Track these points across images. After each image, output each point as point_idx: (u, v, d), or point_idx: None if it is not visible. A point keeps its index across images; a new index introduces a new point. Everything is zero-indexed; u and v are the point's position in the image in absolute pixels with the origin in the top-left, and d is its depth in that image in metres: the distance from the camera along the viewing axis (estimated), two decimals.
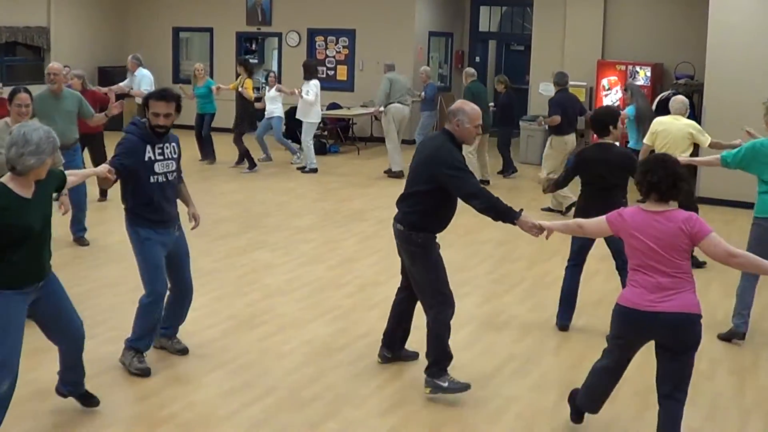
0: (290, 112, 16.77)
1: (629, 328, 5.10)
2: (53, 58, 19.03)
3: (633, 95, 12.68)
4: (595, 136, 7.70)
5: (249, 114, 15.88)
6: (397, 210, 6.35)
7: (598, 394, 5.45)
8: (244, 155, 15.39)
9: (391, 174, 15.38)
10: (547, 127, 13.55)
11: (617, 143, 7.97)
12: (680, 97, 10.07)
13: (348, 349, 7.06)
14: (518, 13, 21.31)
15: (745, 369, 6.91)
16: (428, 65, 19.77)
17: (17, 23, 18.62)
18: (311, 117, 15.59)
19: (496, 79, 15.50)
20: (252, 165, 15.30)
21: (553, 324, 7.77)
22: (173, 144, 6.37)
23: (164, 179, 6.25)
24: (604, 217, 5.26)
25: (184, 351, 6.76)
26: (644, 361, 5.66)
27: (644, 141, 9.87)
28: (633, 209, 5.12)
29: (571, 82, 14.22)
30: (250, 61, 20.46)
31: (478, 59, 21.47)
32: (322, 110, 18.12)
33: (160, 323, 6.52)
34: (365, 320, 7.78)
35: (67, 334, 5.49)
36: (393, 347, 6.76)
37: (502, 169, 15.83)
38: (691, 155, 9.32)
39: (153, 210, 6.22)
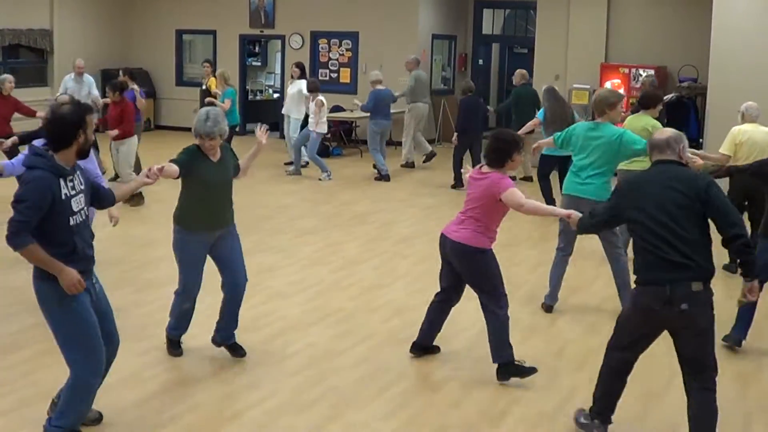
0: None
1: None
2: (56, 61, 19.12)
3: (547, 98, 12.52)
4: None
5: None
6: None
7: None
8: None
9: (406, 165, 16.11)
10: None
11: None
12: (753, 103, 9.92)
13: (351, 351, 7.06)
14: (521, 15, 21.31)
15: (747, 374, 6.90)
16: (431, 68, 19.83)
17: (20, 25, 18.63)
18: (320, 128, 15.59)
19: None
20: None
21: (555, 327, 7.77)
22: (77, 172, 5.17)
23: (81, 219, 5.12)
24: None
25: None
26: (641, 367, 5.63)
27: (722, 151, 9.58)
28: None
29: (574, 85, 14.28)
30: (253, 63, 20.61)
31: (481, 62, 21.47)
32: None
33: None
34: (368, 323, 7.78)
35: (234, 277, 6.65)
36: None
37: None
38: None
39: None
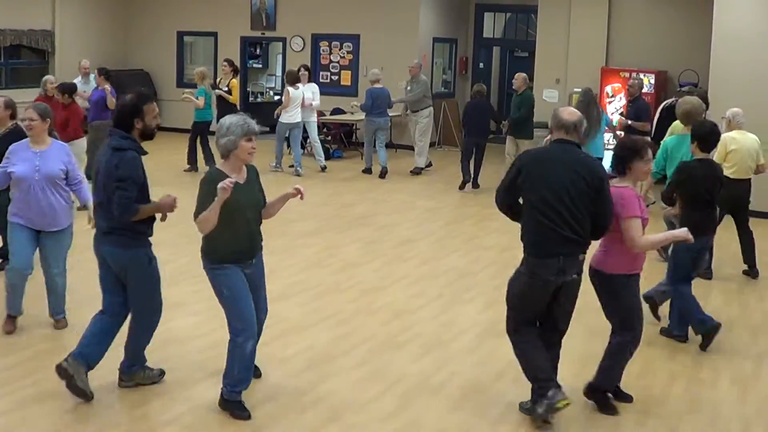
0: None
1: None
2: (57, 62, 19.13)
3: (587, 101, 12.59)
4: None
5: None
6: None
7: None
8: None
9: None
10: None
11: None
12: (739, 110, 9.96)
13: (350, 354, 7.06)
14: (522, 19, 21.31)
15: (747, 378, 6.90)
16: (432, 71, 19.84)
17: (22, 26, 18.65)
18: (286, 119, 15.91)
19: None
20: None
21: None
22: None
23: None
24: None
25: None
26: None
27: (717, 159, 9.43)
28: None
29: (575, 89, 14.27)
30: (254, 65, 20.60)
31: (482, 65, 21.48)
32: (326, 115, 18.30)
33: None
34: (367, 325, 7.78)
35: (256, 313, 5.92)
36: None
37: None
38: None
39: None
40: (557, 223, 5.54)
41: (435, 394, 6.32)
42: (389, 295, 8.75)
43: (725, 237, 11.65)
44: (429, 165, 16.76)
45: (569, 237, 5.56)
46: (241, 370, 5.72)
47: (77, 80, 15.29)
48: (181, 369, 6.59)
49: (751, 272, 9.77)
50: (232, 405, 5.79)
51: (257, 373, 6.30)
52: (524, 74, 15.15)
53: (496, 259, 10.29)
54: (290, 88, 15.68)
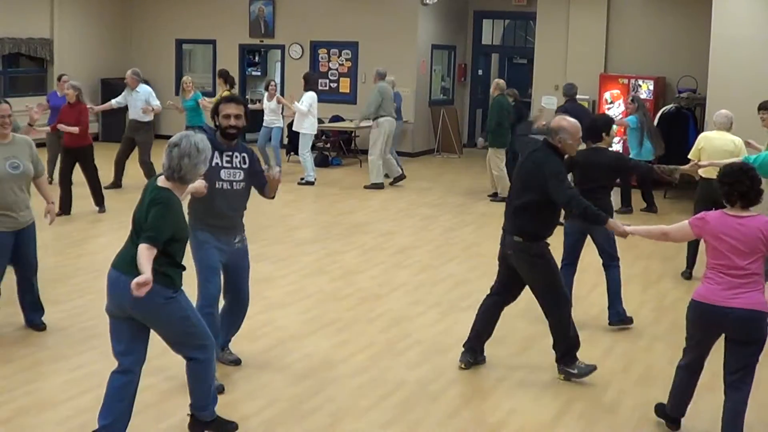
0: (291, 124, 16.79)
1: (703, 323, 5.58)
2: (56, 70, 19.13)
3: (639, 107, 12.78)
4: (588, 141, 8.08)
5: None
6: (507, 222, 6.76)
7: (681, 393, 5.87)
8: None
9: (372, 186, 15.39)
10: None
11: (609, 148, 8.49)
12: (723, 111, 10.00)
13: (349, 361, 7.05)
14: (521, 26, 21.35)
15: None
16: (431, 78, 19.87)
17: (20, 34, 18.67)
18: (306, 128, 15.54)
19: (508, 92, 15.33)
20: None
21: None
22: (244, 155, 6.45)
23: (229, 186, 6.33)
24: (687, 221, 5.67)
25: (236, 362, 6.79)
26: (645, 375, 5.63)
27: (690, 156, 9.65)
28: (718, 213, 5.52)
29: (544, 101, 14.25)
30: (253, 72, 20.57)
31: (480, 72, 21.50)
32: (324, 122, 18.26)
33: (218, 327, 6.41)
34: (366, 333, 7.77)
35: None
36: (476, 351, 7.02)
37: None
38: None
39: (214, 215, 6.33)
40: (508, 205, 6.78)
41: (434, 401, 6.30)
42: (388, 303, 8.73)
43: None
44: (399, 178, 15.79)
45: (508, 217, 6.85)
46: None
47: (122, 96, 14.93)
48: (180, 377, 6.55)
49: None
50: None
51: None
52: (499, 80, 15.01)
53: (494, 267, 10.23)
54: (311, 93, 15.56)
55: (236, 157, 6.40)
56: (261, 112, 16.20)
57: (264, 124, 16.16)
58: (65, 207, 11.80)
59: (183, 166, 5.05)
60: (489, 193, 14.64)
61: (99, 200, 12.36)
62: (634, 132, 12.93)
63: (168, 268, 5.10)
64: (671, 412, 5.94)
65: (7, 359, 6.79)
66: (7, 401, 6.00)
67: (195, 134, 5.29)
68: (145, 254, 4.83)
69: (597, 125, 8.22)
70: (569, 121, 6.59)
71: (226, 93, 15.49)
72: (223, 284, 6.53)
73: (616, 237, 7.51)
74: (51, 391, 6.12)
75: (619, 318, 8.12)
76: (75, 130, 11.78)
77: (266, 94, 16.43)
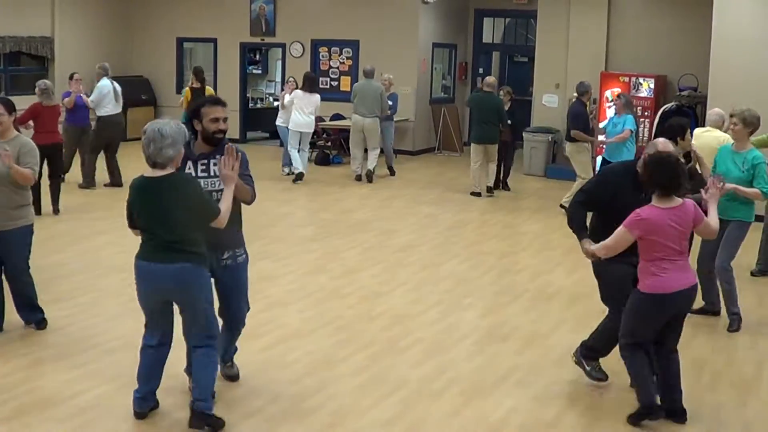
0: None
1: (664, 311, 5.78)
2: (57, 68, 19.14)
3: (626, 103, 12.70)
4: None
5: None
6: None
7: (645, 378, 5.94)
8: None
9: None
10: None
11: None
12: (716, 109, 10.01)
13: (350, 359, 7.05)
14: (522, 24, 21.33)
15: (747, 381, 6.90)
16: (431, 76, 19.86)
17: (21, 33, 18.66)
18: (284, 122, 15.88)
19: (501, 90, 15.35)
20: None
21: (556, 335, 7.76)
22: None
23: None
24: (622, 228, 5.73)
25: (234, 378, 6.49)
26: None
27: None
28: (649, 208, 5.64)
29: (575, 94, 14.28)
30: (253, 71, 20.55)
31: (481, 71, 21.48)
32: (325, 120, 18.29)
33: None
34: (367, 331, 7.78)
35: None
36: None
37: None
38: None
39: None
40: None
41: (435, 400, 6.31)
42: (389, 301, 8.74)
43: None
44: (357, 178, 16.04)
45: None
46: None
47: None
48: (182, 376, 6.57)
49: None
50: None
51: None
52: (490, 79, 15.07)
53: (495, 265, 10.29)
54: (297, 91, 15.70)
55: (214, 164, 5.77)
56: (267, 110, 16.16)
57: (290, 126, 15.70)
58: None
59: (150, 153, 5.34)
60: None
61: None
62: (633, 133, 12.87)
63: (203, 248, 5.52)
64: (645, 399, 5.90)
65: (9, 357, 6.80)
66: (9, 399, 6.00)
67: (165, 121, 5.47)
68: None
69: (674, 129, 8.06)
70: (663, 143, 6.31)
71: (195, 86, 15.44)
72: (217, 301, 6.07)
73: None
74: (52, 390, 6.12)
75: None
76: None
77: (285, 91, 16.24)
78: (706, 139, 9.42)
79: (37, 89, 12.30)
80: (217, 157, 5.72)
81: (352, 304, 8.57)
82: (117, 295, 8.44)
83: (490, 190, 14.72)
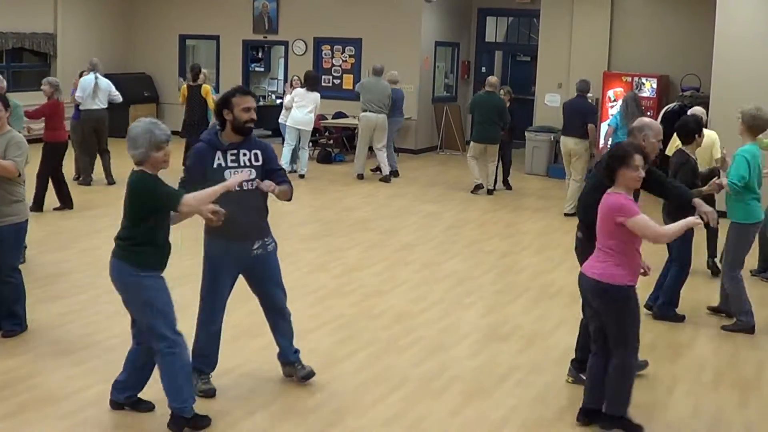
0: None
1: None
2: (59, 65, 19.14)
3: (628, 106, 12.85)
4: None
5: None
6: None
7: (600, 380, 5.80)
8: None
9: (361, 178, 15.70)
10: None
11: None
12: (699, 108, 10.05)
13: (351, 358, 7.05)
14: (524, 23, 21.32)
15: (749, 381, 6.89)
16: (434, 75, 19.85)
17: (24, 29, 18.67)
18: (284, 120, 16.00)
19: (501, 89, 15.37)
20: None
21: (557, 335, 7.76)
22: (255, 151, 5.94)
23: (237, 188, 5.69)
24: (642, 215, 5.50)
25: (308, 377, 6.39)
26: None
27: (667, 152, 9.76)
28: (623, 196, 5.53)
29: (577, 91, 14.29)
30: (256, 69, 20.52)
31: (484, 69, 21.48)
32: (327, 119, 18.29)
33: (218, 345, 6.22)
34: (369, 329, 7.78)
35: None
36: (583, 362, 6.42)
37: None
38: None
39: (225, 222, 5.55)
40: None
41: (436, 399, 6.31)
42: (390, 300, 8.74)
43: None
44: (359, 177, 16.04)
45: None
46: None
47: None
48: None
49: (714, 265, 9.94)
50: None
51: None
52: (492, 78, 15.20)
53: (496, 264, 10.28)
54: (299, 90, 15.76)
55: (244, 154, 5.89)
56: (269, 108, 16.18)
57: (288, 122, 15.80)
58: (39, 203, 11.82)
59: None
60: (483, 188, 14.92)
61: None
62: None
63: (136, 246, 5.36)
64: (591, 403, 5.82)
65: (10, 354, 6.80)
66: (9, 396, 6.01)
67: (139, 122, 5.42)
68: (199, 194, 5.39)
69: (689, 127, 8.13)
70: (652, 120, 6.74)
71: (192, 83, 15.44)
72: (254, 293, 6.30)
73: None
74: (53, 387, 6.13)
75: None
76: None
77: (288, 90, 16.26)
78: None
79: (49, 86, 12.29)
80: (255, 151, 5.91)
81: (354, 303, 8.57)
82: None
83: (490, 192, 14.75)
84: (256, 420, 5.82)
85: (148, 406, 5.82)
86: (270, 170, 5.97)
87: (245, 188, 5.81)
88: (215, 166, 5.81)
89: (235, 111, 5.80)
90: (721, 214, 8.52)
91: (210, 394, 6.09)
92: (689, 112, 10.35)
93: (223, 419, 5.81)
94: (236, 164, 5.85)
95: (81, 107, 14.07)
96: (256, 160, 5.94)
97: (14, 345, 7.00)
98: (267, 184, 5.82)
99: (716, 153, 9.43)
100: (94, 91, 14.18)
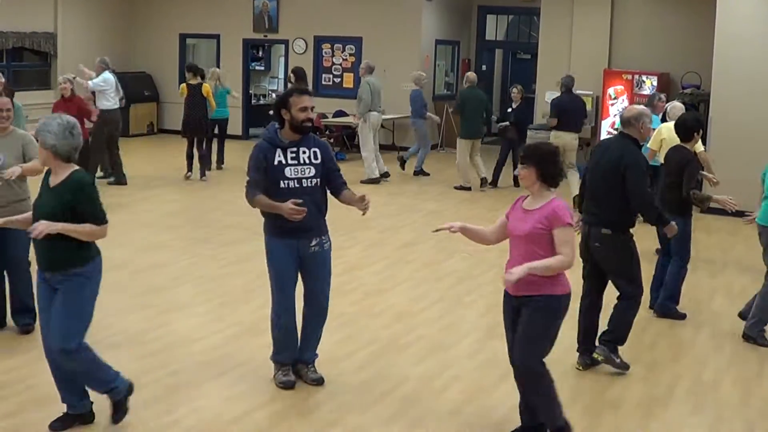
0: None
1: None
2: (60, 64, 19.14)
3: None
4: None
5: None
6: (590, 215, 6.75)
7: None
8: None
9: (368, 181, 15.46)
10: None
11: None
12: (677, 103, 10.11)
13: (353, 356, 7.05)
14: (525, 21, 21.33)
15: (750, 379, 6.89)
16: (434, 73, 19.84)
17: (24, 28, 18.67)
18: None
19: (513, 89, 15.68)
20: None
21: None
22: (315, 149, 6.10)
23: (297, 185, 5.98)
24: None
25: (319, 381, 6.39)
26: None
27: (649, 146, 9.94)
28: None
29: (578, 91, 14.28)
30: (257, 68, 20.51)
31: (484, 67, 21.50)
32: (328, 117, 18.29)
33: (296, 338, 6.35)
34: (370, 328, 7.78)
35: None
36: (591, 351, 6.88)
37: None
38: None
39: (285, 217, 5.88)
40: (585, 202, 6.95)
41: (437, 397, 6.31)
42: (391, 298, 8.74)
43: (729, 240, 11.65)
44: (384, 175, 15.80)
45: (592, 212, 6.77)
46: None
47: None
48: (185, 371, 6.59)
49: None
50: None
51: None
52: (471, 74, 15.54)
53: (495, 262, 10.26)
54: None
55: (304, 152, 6.05)
56: (269, 107, 16.17)
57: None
58: None
59: None
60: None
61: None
62: None
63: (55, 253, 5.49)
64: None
65: (10, 353, 6.81)
66: (11, 395, 6.02)
67: (57, 116, 5.49)
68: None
69: (688, 125, 8.14)
70: (643, 107, 6.91)
71: (192, 82, 15.42)
72: (303, 287, 6.35)
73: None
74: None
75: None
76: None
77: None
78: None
79: (68, 83, 12.27)
80: (314, 149, 6.08)
81: (355, 301, 8.57)
82: (120, 290, 8.43)
83: (484, 182, 15.06)
84: (256, 418, 5.82)
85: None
86: (330, 168, 6.17)
87: (305, 185, 6.02)
88: (276, 163, 5.99)
89: (293, 110, 5.99)
90: (738, 214, 8.60)
91: (289, 385, 6.24)
92: (668, 107, 10.48)
93: (223, 417, 5.81)
94: (296, 161, 6.02)
95: (103, 108, 13.93)
96: (315, 158, 6.09)
97: (14, 345, 7.01)
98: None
99: (698, 147, 9.44)
100: (116, 88, 14.19)
